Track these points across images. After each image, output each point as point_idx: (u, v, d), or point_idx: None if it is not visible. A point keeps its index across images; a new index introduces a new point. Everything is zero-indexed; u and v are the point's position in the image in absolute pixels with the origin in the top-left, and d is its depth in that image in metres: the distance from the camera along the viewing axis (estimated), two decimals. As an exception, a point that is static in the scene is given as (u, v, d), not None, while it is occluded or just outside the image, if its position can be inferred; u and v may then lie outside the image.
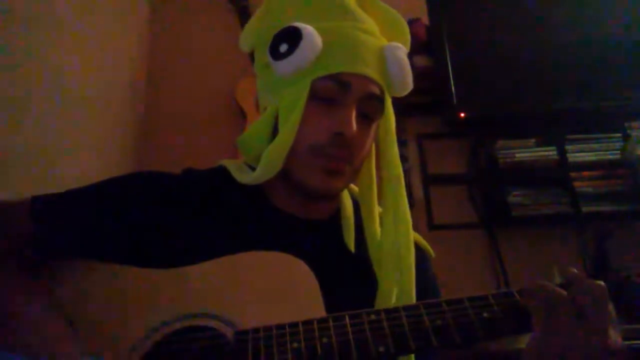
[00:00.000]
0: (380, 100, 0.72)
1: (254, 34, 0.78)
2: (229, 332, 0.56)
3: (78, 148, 1.54)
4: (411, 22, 2.00)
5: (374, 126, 0.75)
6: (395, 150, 0.75)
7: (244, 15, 2.06)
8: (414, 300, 0.68)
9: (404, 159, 2.00)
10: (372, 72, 0.70)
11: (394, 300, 0.68)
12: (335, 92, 0.69)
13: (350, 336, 0.52)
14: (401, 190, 0.73)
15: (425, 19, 2.03)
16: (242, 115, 2.06)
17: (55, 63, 1.41)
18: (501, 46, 1.94)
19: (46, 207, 0.69)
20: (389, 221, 0.72)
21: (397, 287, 0.69)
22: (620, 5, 1.97)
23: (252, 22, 0.79)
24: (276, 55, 0.69)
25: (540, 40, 1.93)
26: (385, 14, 0.80)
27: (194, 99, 2.19)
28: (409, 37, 0.81)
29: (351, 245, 0.74)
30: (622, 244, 1.58)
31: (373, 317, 0.53)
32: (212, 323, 0.58)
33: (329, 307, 0.58)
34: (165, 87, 2.21)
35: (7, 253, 0.66)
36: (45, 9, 1.36)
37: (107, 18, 1.81)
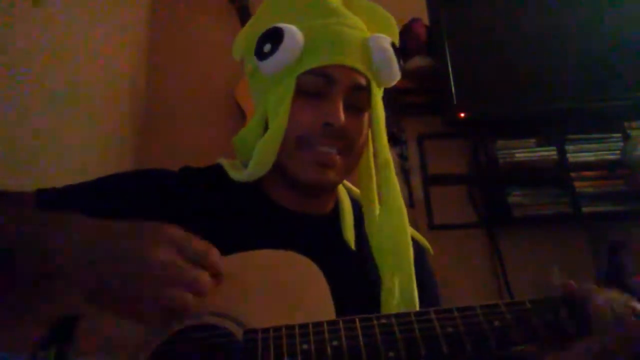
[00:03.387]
0: (368, 91, 0.73)
1: (243, 42, 0.79)
2: (237, 331, 0.56)
3: (78, 147, 1.54)
4: (411, 22, 2.00)
5: (365, 117, 0.75)
6: (384, 139, 0.75)
7: (244, 15, 2.06)
8: (415, 292, 0.68)
9: (404, 159, 2.02)
10: (356, 62, 0.70)
11: (397, 294, 0.68)
12: (320, 85, 0.70)
13: (361, 340, 0.51)
14: (391, 176, 0.74)
15: (425, 19, 2.03)
16: (242, 115, 2.06)
17: (55, 62, 1.41)
18: (501, 46, 1.94)
19: (51, 199, 0.70)
20: (384, 212, 0.73)
21: (398, 279, 0.69)
22: (620, 5, 1.97)
23: (241, 33, 0.80)
24: (261, 55, 0.70)
25: (540, 40, 1.93)
26: (371, 11, 0.80)
27: (194, 99, 2.19)
28: (396, 31, 0.81)
29: (351, 241, 0.74)
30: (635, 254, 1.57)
31: (384, 321, 0.53)
32: (221, 322, 0.57)
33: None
34: (165, 86, 2.21)
35: None
36: (45, 6, 1.36)
37: (107, 17, 1.81)
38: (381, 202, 0.74)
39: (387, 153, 0.75)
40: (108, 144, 1.80)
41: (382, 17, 0.81)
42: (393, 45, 0.75)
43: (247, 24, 0.80)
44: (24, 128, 1.24)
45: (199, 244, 0.53)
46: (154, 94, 2.19)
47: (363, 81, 0.72)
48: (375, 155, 0.77)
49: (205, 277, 0.51)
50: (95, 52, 1.69)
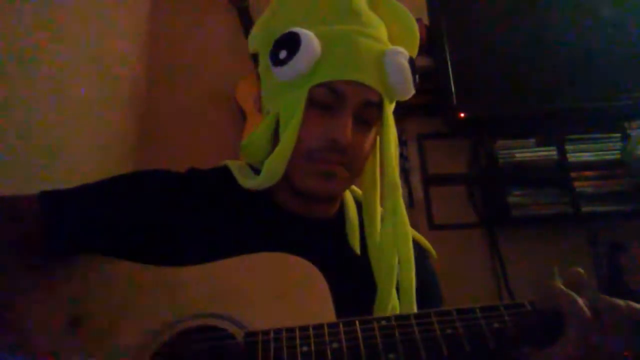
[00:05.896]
0: (379, 106, 0.72)
1: (259, 36, 0.78)
2: (238, 333, 0.56)
3: (79, 148, 1.54)
4: (411, 22, 2.00)
5: (373, 131, 0.74)
6: (393, 161, 0.74)
7: (244, 15, 2.06)
8: (414, 301, 0.68)
9: (404, 158, 2.02)
10: (368, 79, 0.69)
11: (390, 305, 0.68)
12: (331, 99, 0.69)
13: (361, 342, 0.51)
14: (399, 198, 0.73)
15: (425, 19, 2.03)
16: (242, 115, 2.06)
17: (55, 63, 1.41)
18: (501, 46, 1.94)
19: (55, 201, 0.69)
20: (389, 225, 0.72)
21: (396, 290, 0.69)
22: (620, 6, 1.97)
23: (259, 24, 0.79)
24: (276, 61, 0.69)
25: (540, 41, 1.93)
26: (396, 14, 0.79)
27: (194, 99, 2.19)
28: (417, 39, 0.80)
29: (356, 247, 0.74)
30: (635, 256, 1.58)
31: (384, 323, 0.53)
32: (222, 323, 0.58)
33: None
34: (166, 87, 2.21)
35: (15, 246, 0.65)
36: (45, 8, 1.36)
37: (107, 18, 1.81)
38: (385, 213, 0.73)
39: (396, 176, 0.73)
40: (109, 144, 1.80)
41: (407, 23, 0.79)
42: (410, 60, 0.73)
43: (263, 18, 0.78)
44: (24, 131, 1.25)
45: None
46: (155, 94, 2.19)
47: (375, 97, 0.71)
48: (382, 174, 0.75)
49: None
50: (94, 53, 1.69)
